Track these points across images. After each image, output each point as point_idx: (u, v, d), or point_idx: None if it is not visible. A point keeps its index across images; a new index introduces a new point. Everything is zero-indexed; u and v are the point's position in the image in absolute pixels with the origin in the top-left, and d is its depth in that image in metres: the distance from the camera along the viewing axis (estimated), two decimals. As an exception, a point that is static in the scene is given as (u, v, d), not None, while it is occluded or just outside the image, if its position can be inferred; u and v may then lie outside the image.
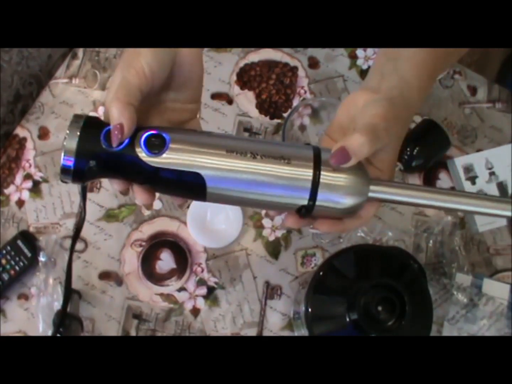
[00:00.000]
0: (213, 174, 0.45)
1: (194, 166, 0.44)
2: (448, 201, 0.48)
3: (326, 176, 0.45)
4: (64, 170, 0.44)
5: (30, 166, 0.84)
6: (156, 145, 0.44)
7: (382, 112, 0.47)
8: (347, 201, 0.46)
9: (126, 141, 0.44)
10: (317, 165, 0.45)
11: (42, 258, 0.77)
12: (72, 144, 0.43)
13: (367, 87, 0.52)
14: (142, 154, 0.44)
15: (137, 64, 0.45)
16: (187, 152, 0.45)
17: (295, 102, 0.87)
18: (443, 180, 0.85)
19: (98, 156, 0.44)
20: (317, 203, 0.46)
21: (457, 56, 0.58)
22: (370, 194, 0.47)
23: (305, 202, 0.46)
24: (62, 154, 0.43)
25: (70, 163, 0.44)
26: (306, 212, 0.47)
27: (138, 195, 0.48)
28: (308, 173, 0.45)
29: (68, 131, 0.44)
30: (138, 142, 0.44)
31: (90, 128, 0.44)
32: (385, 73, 0.51)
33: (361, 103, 0.50)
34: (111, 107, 0.44)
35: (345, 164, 0.45)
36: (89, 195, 0.83)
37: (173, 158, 0.44)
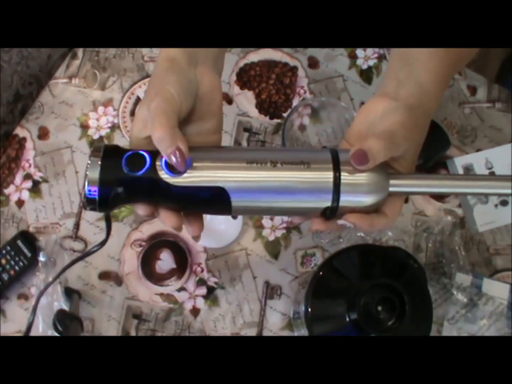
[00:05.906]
0: (236, 186, 0.45)
1: (217, 181, 0.45)
2: (469, 186, 0.48)
3: (346, 176, 0.46)
4: (90, 200, 0.44)
5: (30, 166, 0.84)
6: None
7: (401, 120, 0.48)
8: (370, 198, 0.46)
9: (148, 164, 0.45)
10: (337, 166, 0.46)
11: (42, 258, 0.77)
12: (95, 173, 0.44)
13: (385, 93, 0.52)
14: (164, 175, 0.45)
15: (166, 92, 0.46)
16: (208, 168, 0.45)
17: (295, 102, 0.87)
18: (443, 180, 0.84)
19: (121, 182, 0.45)
20: (341, 203, 0.46)
21: (467, 60, 0.58)
22: (391, 189, 0.47)
23: (329, 204, 0.46)
24: (86, 184, 0.44)
25: (95, 193, 0.44)
26: (331, 213, 0.47)
27: (165, 217, 0.48)
28: (329, 175, 0.46)
29: (89, 162, 0.44)
30: (160, 164, 0.45)
31: (110, 156, 0.45)
32: (401, 79, 0.52)
33: (380, 110, 0.50)
34: (160, 135, 0.43)
35: (363, 166, 0.45)
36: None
37: (195, 175, 0.45)
